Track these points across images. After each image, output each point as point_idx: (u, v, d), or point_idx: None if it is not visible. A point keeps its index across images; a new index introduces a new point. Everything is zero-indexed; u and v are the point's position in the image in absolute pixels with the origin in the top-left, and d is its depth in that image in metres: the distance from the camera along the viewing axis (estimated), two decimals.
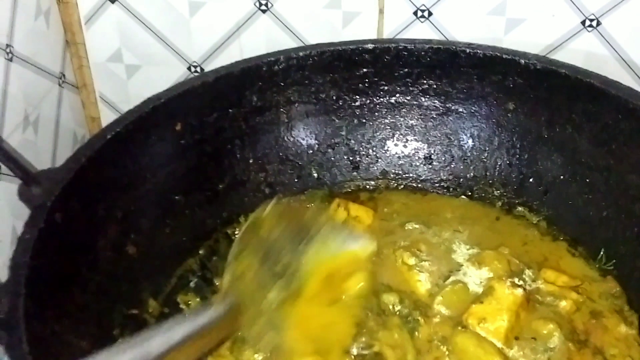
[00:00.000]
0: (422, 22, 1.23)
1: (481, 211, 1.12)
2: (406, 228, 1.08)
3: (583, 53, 1.22)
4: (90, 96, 1.42)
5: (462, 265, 1.01)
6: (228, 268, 0.83)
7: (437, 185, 1.15)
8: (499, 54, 1.05)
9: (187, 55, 1.33)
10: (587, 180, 1.02)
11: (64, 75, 1.34)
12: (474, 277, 0.98)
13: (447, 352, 0.90)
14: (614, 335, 0.91)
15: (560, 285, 0.96)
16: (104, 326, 0.87)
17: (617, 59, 1.21)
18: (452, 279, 0.98)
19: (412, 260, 1.02)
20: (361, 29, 1.26)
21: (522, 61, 1.03)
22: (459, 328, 0.91)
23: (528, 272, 0.99)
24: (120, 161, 0.94)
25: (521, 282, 0.96)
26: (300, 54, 1.08)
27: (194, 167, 1.05)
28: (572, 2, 1.17)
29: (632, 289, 0.94)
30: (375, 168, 1.17)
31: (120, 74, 1.38)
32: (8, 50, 1.10)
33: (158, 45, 1.33)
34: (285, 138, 1.14)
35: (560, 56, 1.13)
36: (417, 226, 1.09)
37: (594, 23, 1.18)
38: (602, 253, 0.99)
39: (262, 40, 1.27)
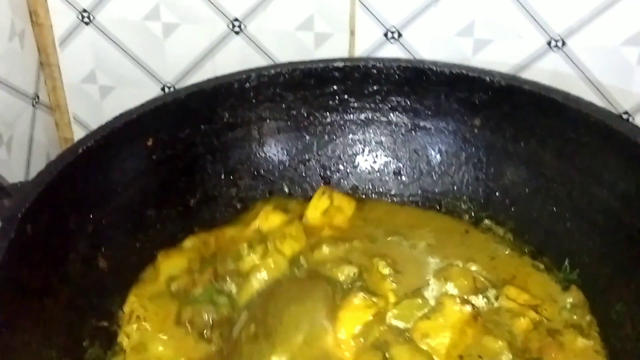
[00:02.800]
0: (392, 43, 1.26)
1: (451, 224, 1.13)
2: (388, 238, 1.09)
3: (549, 73, 1.25)
4: (64, 117, 1.43)
5: (429, 279, 1.01)
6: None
7: (407, 199, 1.17)
8: (464, 72, 1.07)
9: (160, 76, 1.35)
10: (551, 193, 1.03)
11: (37, 97, 1.35)
12: (435, 292, 0.98)
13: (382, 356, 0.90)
14: (572, 351, 0.91)
15: (521, 303, 0.96)
16: (74, 337, 0.87)
17: (582, 78, 1.25)
18: (417, 292, 0.99)
19: (386, 270, 1.02)
20: (333, 50, 1.28)
21: (487, 78, 1.06)
22: (401, 339, 0.91)
23: (491, 289, 0.99)
24: (91, 175, 0.95)
25: (484, 300, 0.97)
26: (272, 71, 1.10)
27: (166, 182, 1.06)
28: (538, 23, 1.20)
29: (595, 298, 0.96)
30: (346, 183, 1.18)
31: (94, 95, 1.39)
32: None
33: (132, 66, 1.34)
34: (257, 154, 1.15)
35: (527, 76, 1.15)
36: (395, 237, 1.09)
37: (559, 43, 1.22)
38: (566, 263, 1.00)
39: (235, 61, 1.29)
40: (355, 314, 0.95)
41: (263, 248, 1.02)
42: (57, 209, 0.89)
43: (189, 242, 1.07)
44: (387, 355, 0.89)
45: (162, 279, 1.01)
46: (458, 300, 0.93)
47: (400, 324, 0.94)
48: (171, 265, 1.02)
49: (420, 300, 0.96)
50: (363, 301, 0.96)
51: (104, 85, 1.38)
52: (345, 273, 1.01)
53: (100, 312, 0.93)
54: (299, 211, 1.13)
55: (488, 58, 1.25)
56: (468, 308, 0.92)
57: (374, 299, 0.96)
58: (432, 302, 0.96)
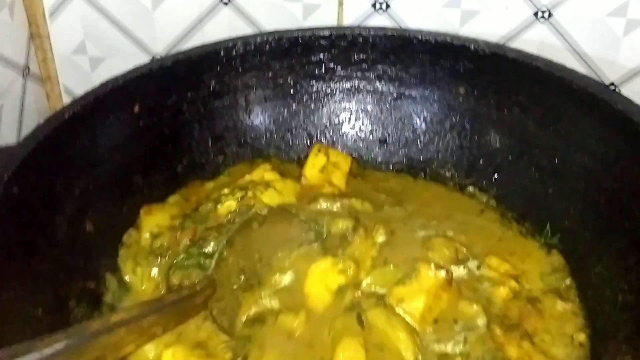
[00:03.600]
0: (380, 14, 1.27)
1: (437, 192, 1.15)
2: (379, 205, 1.10)
3: (536, 44, 1.26)
4: (55, 88, 1.43)
5: (413, 248, 1.02)
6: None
7: (393, 167, 1.18)
8: (449, 40, 1.08)
9: (150, 47, 1.36)
10: (534, 159, 1.05)
11: (28, 68, 1.36)
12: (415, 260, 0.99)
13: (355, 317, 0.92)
14: (551, 315, 0.93)
15: (502, 272, 0.98)
16: (60, 297, 0.88)
17: (569, 49, 1.25)
18: (395, 259, 1.00)
19: (381, 238, 1.04)
20: (321, 21, 1.29)
21: (472, 46, 1.07)
22: (377, 304, 0.93)
23: (473, 260, 1.00)
24: (78, 140, 0.96)
25: (464, 269, 0.99)
26: (258, 39, 1.11)
27: (153, 149, 1.07)
28: None
29: (575, 261, 0.97)
30: None
31: (84, 66, 1.40)
32: None
33: (122, 37, 1.35)
34: (244, 122, 1.16)
35: (514, 46, 1.16)
36: (394, 205, 1.11)
37: (546, 14, 1.22)
38: (547, 228, 1.02)
39: (224, 32, 1.29)
40: (329, 276, 0.97)
41: (242, 194, 1.04)
42: (43, 172, 0.90)
43: (172, 199, 1.09)
44: (362, 318, 0.92)
45: (145, 236, 1.03)
46: (432, 266, 0.94)
47: (376, 289, 0.96)
48: (153, 221, 1.04)
49: (394, 267, 0.98)
50: (338, 264, 0.98)
51: (94, 57, 1.39)
52: (339, 226, 1.03)
53: (88, 273, 0.95)
54: (295, 173, 1.14)
55: (475, 29, 1.26)
56: (442, 273, 0.93)
57: (349, 263, 0.98)
58: (407, 269, 0.97)
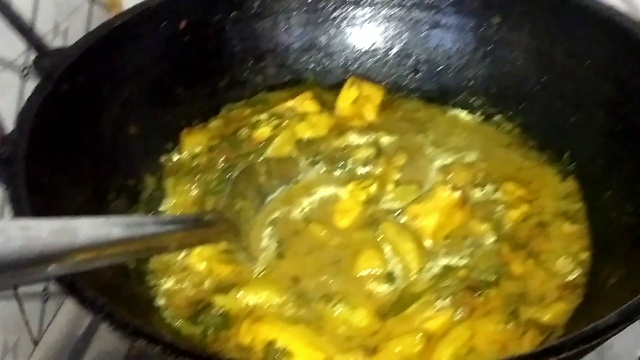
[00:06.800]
0: None
1: (465, 121, 1.19)
2: (408, 133, 1.15)
3: None
4: None
5: (434, 172, 1.08)
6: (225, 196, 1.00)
7: (425, 94, 1.22)
8: None
9: None
10: (559, 89, 1.07)
11: None
12: (434, 183, 1.05)
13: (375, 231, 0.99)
14: (558, 236, 0.97)
15: (517, 196, 1.02)
16: (100, 189, 0.97)
17: None
18: (416, 181, 1.06)
19: (400, 161, 1.09)
20: None
21: None
22: (391, 218, 1.00)
23: (491, 184, 1.04)
24: (125, 48, 1.03)
25: (481, 192, 1.03)
26: None
27: (196, 63, 1.14)
28: None
29: (589, 186, 1.01)
30: (368, 77, 1.23)
31: None
32: None
33: None
34: (284, 44, 1.21)
35: None
36: (415, 132, 1.15)
37: None
38: (566, 155, 1.05)
39: None
40: (354, 193, 1.04)
41: (277, 123, 1.10)
42: (92, 74, 0.97)
43: (213, 123, 1.16)
44: (377, 232, 0.98)
45: (185, 156, 1.11)
46: (449, 186, 0.99)
47: (393, 206, 1.02)
48: (193, 141, 1.11)
49: (414, 187, 1.04)
50: (362, 182, 1.04)
51: None
52: (361, 154, 1.08)
53: (128, 171, 1.03)
54: (332, 103, 1.19)
55: None
56: (457, 194, 0.98)
57: (372, 181, 1.04)
58: (426, 189, 1.03)
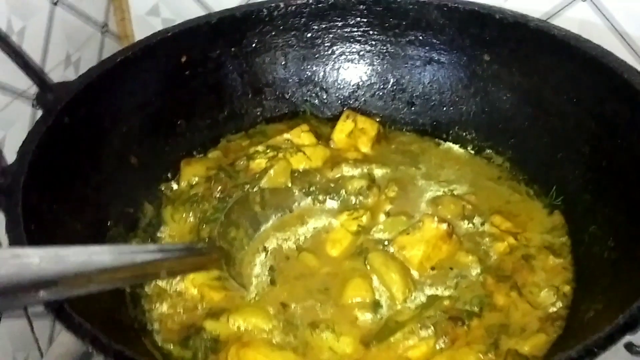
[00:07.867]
0: None
1: (457, 154, 1.22)
2: (402, 165, 1.18)
3: (578, 22, 1.28)
4: None
5: (424, 204, 1.11)
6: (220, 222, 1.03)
7: (418, 128, 1.25)
8: (476, 9, 1.14)
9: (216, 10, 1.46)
10: (548, 125, 1.10)
11: (107, 25, 1.49)
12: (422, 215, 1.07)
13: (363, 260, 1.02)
14: (542, 269, 0.99)
15: (503, 229, 1.05)
16: (100, 216, 1.01)
17: (610, 28, 1.27)
18: (406, 213, 1.09)
19: (391, 193, 1.12)
20: None
21: (497, 15, 1.12)
22: (379, 248, 1.02)
23: (479, 217, 1.07)
24: (128, 83, 1.08)
25: (469, 224, 1.06)
26: (299, 1, 1.19)
27: (196, 97, 1.18)
28: None
29: (574, 220, 1.03)
30: (364, 111, 1.27)
31: (157, 27, 1.51)
32: None
33: (192, 2, 1.46)
34: (282, 78, 1.25)
35: (557, 24, 1.20)
36: (411, 166, 1.19)
37: None
38: (553, 190, 1.07)
39: None
40: (346, 224, 1.07)
41: (273, 154, 1.13)
42: (93, 108, 1.02)
43: (211, 154, 1.20)
44: (366, 261, 1.01)
45: (183, 185, 1.14)
46: (436, 219, 1.02)
47: (383, 236, 1.05)
48: (192, 171, 1.15)
49: (404, 218, 1.07)
50: (354, 213, 1.07)
51: (166, 18, 1.50)
52: (353, 185, 1.11)
53: (127, 200, 1.07)
54: (328, 135, 1.23)
55: (519, 5, 1.29)
56: (444, 226, 1.01)
57: (363, 212, 1.07)
58: (414, 221, 1.05)
